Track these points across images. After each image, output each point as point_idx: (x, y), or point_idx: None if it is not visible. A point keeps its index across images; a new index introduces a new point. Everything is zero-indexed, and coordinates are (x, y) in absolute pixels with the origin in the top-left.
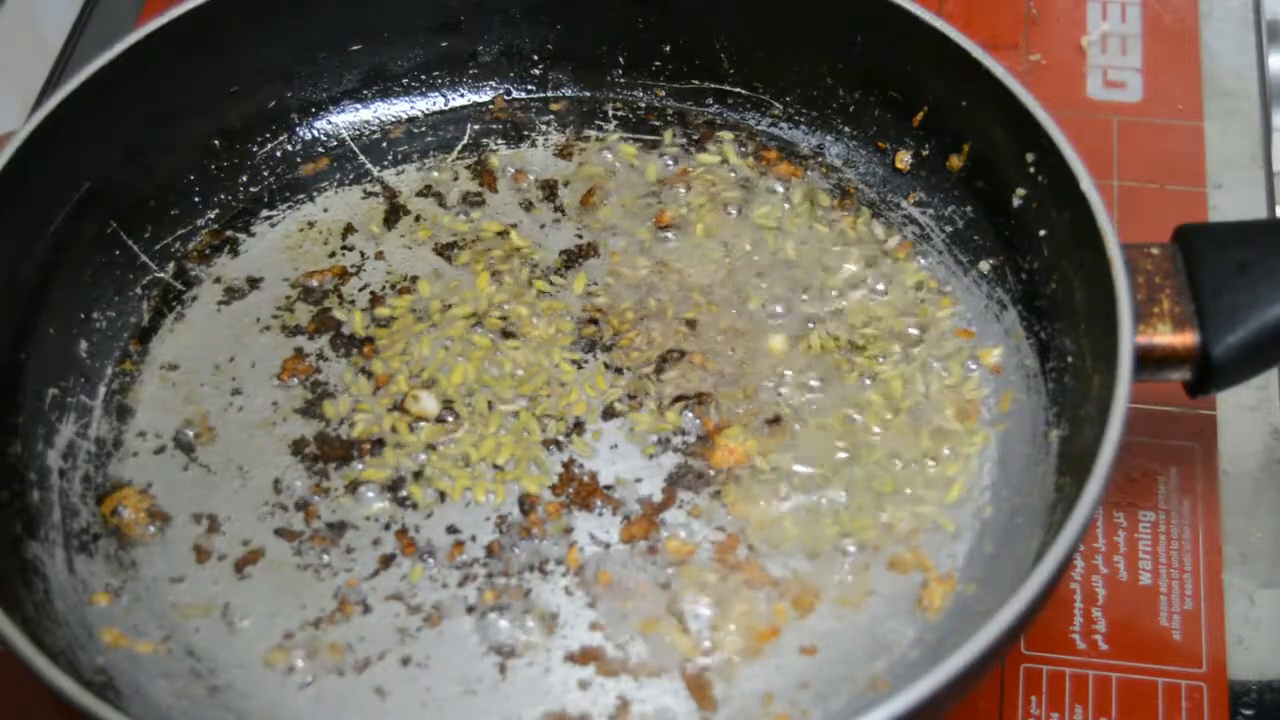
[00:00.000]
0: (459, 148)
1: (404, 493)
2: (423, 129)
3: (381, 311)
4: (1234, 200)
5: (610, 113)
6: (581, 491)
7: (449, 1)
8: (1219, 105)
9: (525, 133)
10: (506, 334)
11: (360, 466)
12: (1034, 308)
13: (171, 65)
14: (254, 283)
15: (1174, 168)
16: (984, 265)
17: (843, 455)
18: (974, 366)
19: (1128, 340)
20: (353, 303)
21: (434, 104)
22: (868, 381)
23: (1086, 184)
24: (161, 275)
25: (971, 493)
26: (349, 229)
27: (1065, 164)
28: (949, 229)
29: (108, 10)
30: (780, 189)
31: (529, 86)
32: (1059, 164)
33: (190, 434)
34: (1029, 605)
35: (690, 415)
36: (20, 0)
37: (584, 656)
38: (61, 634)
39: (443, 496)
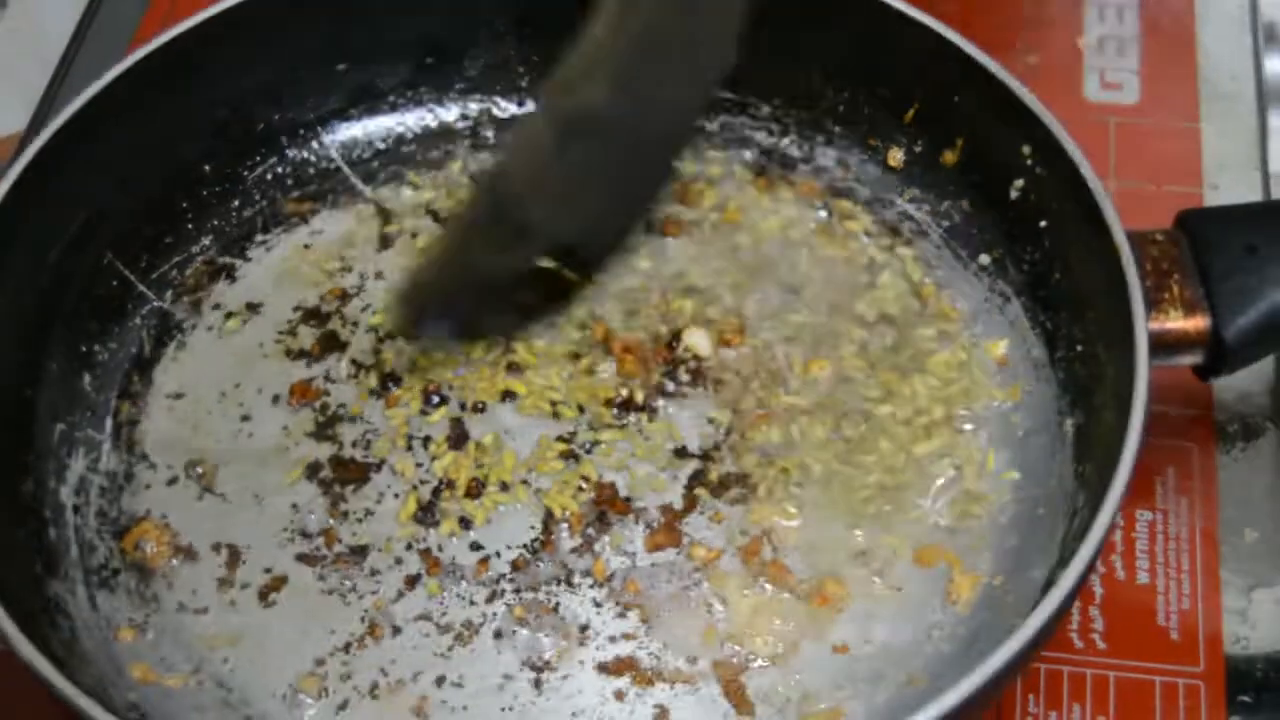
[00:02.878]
0: (450, 163)
1: (423, 512)
2: (412, 146)
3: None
4: (1230, 201)
5: None
6: (602, 503)
7: (433, 17)
8: (1215, 107)
9: None
10: (514, 348)
11: (377, 488)
12: (1038, 298)
13: (159, 92)
14: (254, 308)
15: (1170, 169)
16: (984, 258)
17: (861, 454)
18: (982, 360)
19: (1141, 327)
20: (356, 324)
21: (422, 120)
22: (878, 380)
23: (1087, 171)
24: (160, 304)
25: (991, 485)
26: (345, 250)
27: (1064, 154)
28: (946, 224)
29: (111, 12)
30: (777, 195)
31: (516, 99)
32: (1057, 155)
33: (201, 463)
34: (1069, 592)
35: (706, 422)
36: (23, 1)
37: (618, 667)
38: (91, 672)
39: (463, 514)
